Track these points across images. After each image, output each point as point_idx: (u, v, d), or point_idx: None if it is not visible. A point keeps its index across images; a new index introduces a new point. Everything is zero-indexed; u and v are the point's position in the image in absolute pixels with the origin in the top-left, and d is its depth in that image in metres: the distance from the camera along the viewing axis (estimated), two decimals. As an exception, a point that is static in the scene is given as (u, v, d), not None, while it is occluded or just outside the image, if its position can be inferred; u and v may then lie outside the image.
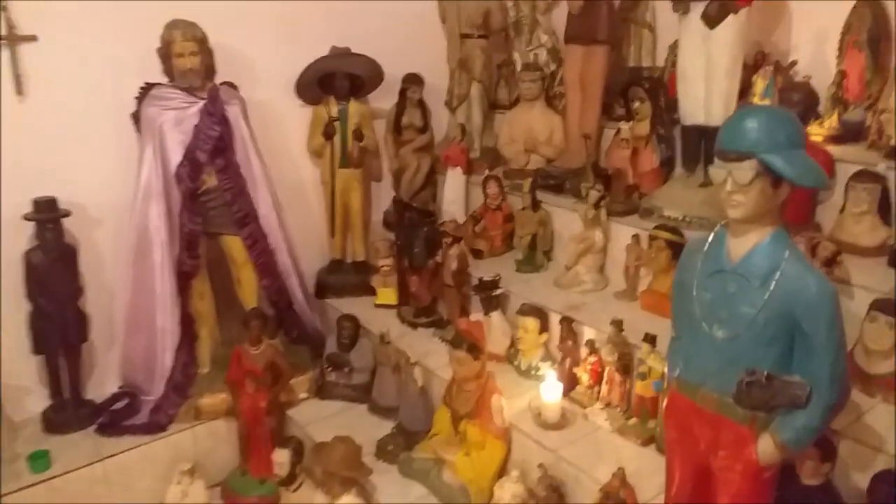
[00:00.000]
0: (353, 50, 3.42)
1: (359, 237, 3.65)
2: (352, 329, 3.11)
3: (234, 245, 3.07)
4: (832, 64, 2.84)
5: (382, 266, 3.41)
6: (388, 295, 3.41)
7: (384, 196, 3.88)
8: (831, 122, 2.66)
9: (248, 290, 3.15)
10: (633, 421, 2.36)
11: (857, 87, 2.71)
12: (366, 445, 2.67)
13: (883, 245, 2.28)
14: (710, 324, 1.49)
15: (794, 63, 2.96)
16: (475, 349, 2.46)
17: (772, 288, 1.40)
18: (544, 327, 2.68)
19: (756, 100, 2.83)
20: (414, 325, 3.19)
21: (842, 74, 2.67)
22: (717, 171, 1.42)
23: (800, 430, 1.44)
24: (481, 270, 3.05)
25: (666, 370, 1.91)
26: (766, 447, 1.47)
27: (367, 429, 2.89)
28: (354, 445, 2.49)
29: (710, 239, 1.54)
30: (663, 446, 2.21)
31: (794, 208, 2.40)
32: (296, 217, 3.44)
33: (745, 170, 1.36)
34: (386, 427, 2.88)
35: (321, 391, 3.15)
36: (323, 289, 3.60)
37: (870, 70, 2.69)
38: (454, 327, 2.61)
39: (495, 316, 2.82)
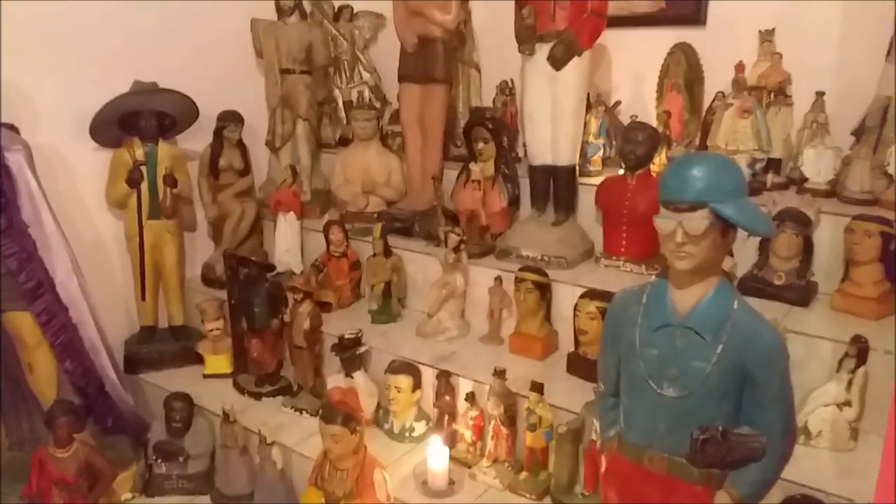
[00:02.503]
0: (160, 85, 2.97)
1: (175, 298, 3.17)
2: (185, 410, 2.64)
3: (23, 323, 2.48)
4: (650, 104, 3.05)
5: (211, 330, 2.98)
6: (219, 363, 2.99)
7: (200, 248, 3.43)
8: (661, 160, 2.82)
9: (44, 377, 2.56)
10: (524, 475, 2.26)
11: (678, 127, 2.92)
12: (218, 547, 2.28)
13: (729, 275, 2.44)
14: (659, 382, 1.42)
15: (618, 103, 3.13)
16: (352, 421, 2.19)
17: (724, 341, 1.36)
18: (417, 384, 2.49)
19: (591, 139, 2.96)
20: (258, 396, 2.82)
21: (667, 114, 2.86)
22: (666, 221, 1.35)
23: (756, 484, 1.42)
24: (332, 325, 2.78)
25: (597, 430, 1.82)
26: (724, 504, 1.43)
27: (216, 526, 2.48)
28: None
29: (647, 291, 1.48)
30: (561, 499, 2.16)
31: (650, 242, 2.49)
32: (95, 280, 2.88)
33: (698, 220, 1.32)
34: (238, 520, 2.48)
35: (149, 487, 2.64)
36: (134, 362, 3.06)
37: (687, 111, 2.91)
38: (325, 397, 2.31)
39: (359, 376, 2.57)
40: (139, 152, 2.93)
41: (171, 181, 2.96)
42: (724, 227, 1.34)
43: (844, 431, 1.95)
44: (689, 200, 1.32)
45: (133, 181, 2.91)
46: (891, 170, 2.34)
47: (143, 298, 3.08)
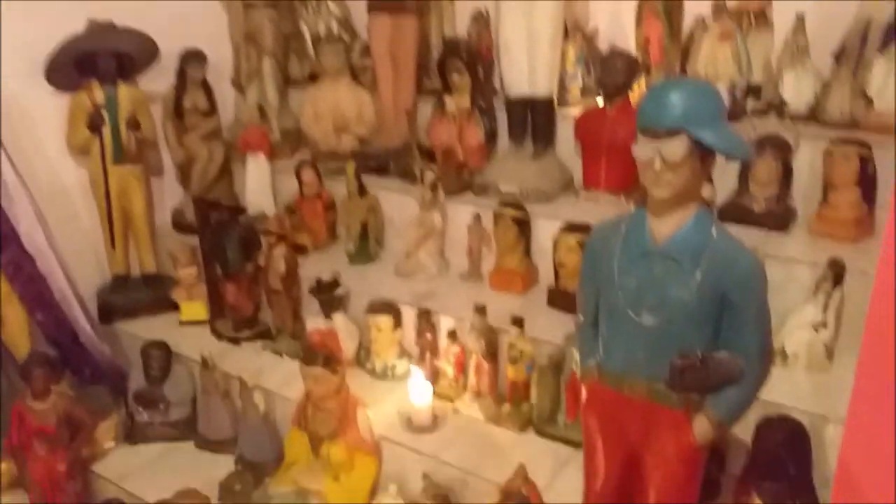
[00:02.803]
0: (117, 23, 2.82)
1: (146, 245, 3.09)
2: (162, 358, 2.62)
3: (-11, 276, 2.40)
4: (629, 31, 2.96)
5: (185, 276, 2.92)
6: (195, 309, 2.94)
7: (168, 193, 3.34)
8: (640, 87, 2.76)
9: (16, 330, 2.51)
10: (506, 408, 2.27)
11: (657, 53, 2.83)
12: (204, 490, 2.29)
13: (708, 201, 2.42)
14: (637, 311, 1.42)
15: (596, 31, 3.03)
16: (332, 362, 2.18)
17: (703, 267, 1.35)
18: (397, 323, 2.47)
19: (570, 68, 2.88)
20: (236, 341, 2.79)
21: (646, 41, 2.78)
22: (644, 149, 1.32)
23: (734, 405, 1.44)
24: (309, 268, 2.74)
25: (577, 358, 1.82)
26: (702, 427, 1.45)
27: (201, 470, 2.48)
28: (203, 499, 2.09)
29: (626, 221, 1.45)
30: (544, 429, 2.19)
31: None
32: (62, 230, 2.81)
33: (677, 146, 1.28)
34: (223, 464, 2.48)
35: (132, 435, 2.63)
36: (108, 312, 3.00)
37: (667, 36, 2.82)
38: (305, 339, 2.29)
39: (338, 318, 2.54)
40: (99, 95, 2.81)
41: (134, 124, 2.85)
42: (703, 154, 1.31)
43: (820, 352, 1.98)
44: (666, 127, 1.28)
45: (94, 126, 2.80)
46: (870, 92, 2.31)
47: (113, 246, 3.00)
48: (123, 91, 2.85)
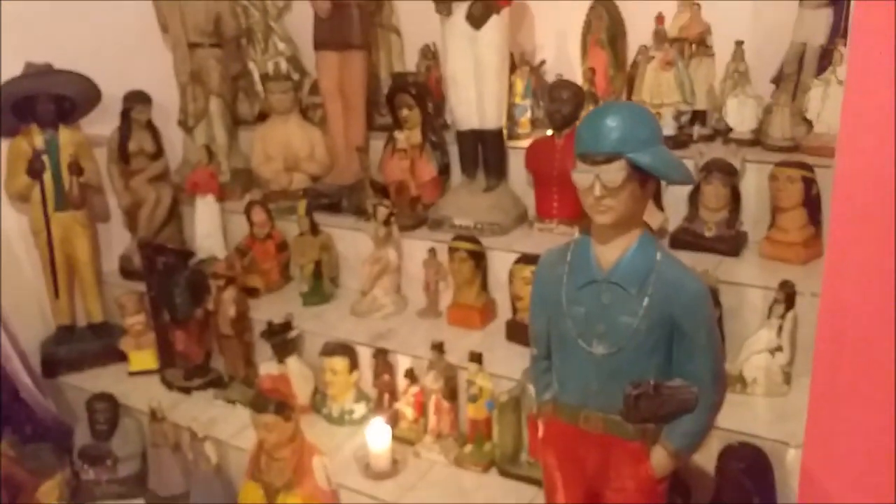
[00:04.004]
0: (56, 66, 2.75)
1: (92, 294, 2.99)
2: (109, 411, 2.50)
3: (-82, 333, 2.28)
4: (575, 62, 2.99)
5: (133, 325, 2.82)
6: (144, 359, 2.84)
7: (116, 239, 3.24)
8: (588, 118, 2.78)
9: (-52, 389, 2.36)
10: (468, 448, 2.21)
11: (603, 83, 2.87)
12: (155, 551, 2.17)
13: (661, 230, 2.42)
14: (588, 340, 1.38)
15: (543, 62, 3.07)
16: (285, 409, 2.09)
17: (650, 293, 1.33)
18: (354, 365, 2.40)
19: (518, 100, 2.90)
20: (187, 390, 2.68)
21: (592, 71, 2.81)
22: (583, 175, 1.30)
23: (690, 435, 1.41)
24: (262, 311, 2.66)
25: (532, 394, 1.78)
26: (660, 459, 1.41)
27: (151, 529, 2.37)
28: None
29: (571, 249, 1.43)
30: (507, 469, 2.13)
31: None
32: (1, 280, 2.69)
33: (615, 171, 1.27)
34: (175, 521, 2.37)
35: (77, 495, 2.50)
36: (53, 365, 2.88)
37: (612, 66, 2.87)
38: (256, 386, 2.20)
39: (292, 362, 2.46)
40: (38, 140, 2.73)
41: (76, 169, 2.77)
42: (642, 178, 1.30)
43: (778, 376, 1.97)
44: (604, 152, 1.27)
45: (34, 172, 2.72)
46: (809, 115, 2.35)
47: (57, 296, 2.89)
48: (65, 135, 2.78)
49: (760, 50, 2.56)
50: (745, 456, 1.78)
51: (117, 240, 3.22)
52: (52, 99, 2.72)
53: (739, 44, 2.54)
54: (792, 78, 2.44)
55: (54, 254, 2.83)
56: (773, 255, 2.21)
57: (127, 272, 3.12)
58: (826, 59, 2.37)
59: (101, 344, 2.94)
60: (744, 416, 1.89)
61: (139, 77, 3.02)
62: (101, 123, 3.00)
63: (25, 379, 2.55)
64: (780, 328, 1.95)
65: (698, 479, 1.91)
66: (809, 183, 2.15)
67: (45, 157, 2.73)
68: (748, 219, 2.35)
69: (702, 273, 1.82)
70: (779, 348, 1.95)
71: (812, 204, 2.17)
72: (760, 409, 1.95)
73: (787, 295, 1.94)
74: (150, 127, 3.04)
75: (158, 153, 3.08)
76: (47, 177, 2.75)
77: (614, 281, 1.36)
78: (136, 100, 2.95)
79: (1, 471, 2.29)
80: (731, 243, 2.27)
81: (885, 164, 0.98)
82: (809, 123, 2.37)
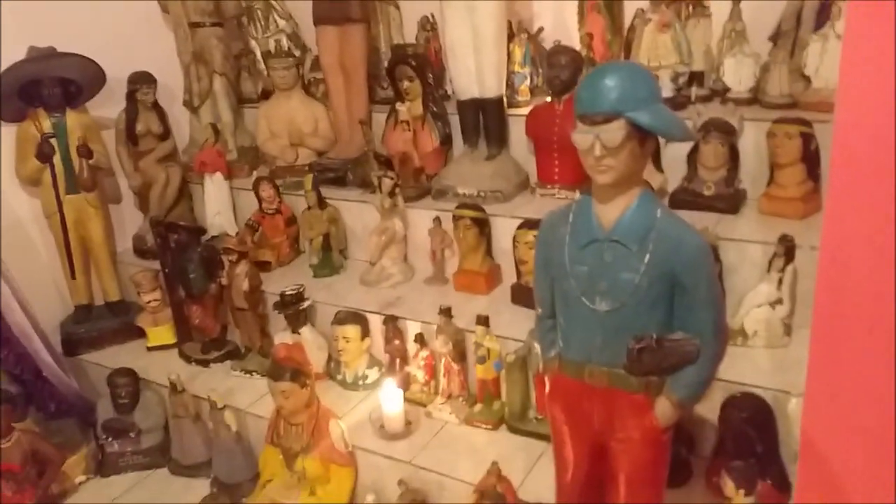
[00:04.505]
0: (59, 50, 2.79)
1: (108, 273, 3.06)
2: (130, 385, 2.58)
3: (-57, 316, 2.35)
4: (573, 28, 3.00)
5: (149, 302, 2.89)
6: (162, 334, 2.92)
7: (128, 219, 3.31)
8: (588, 83, 2.80)
9: (-25, 368, 2.44)
10: (478, 407, 2.28)
11: (601, 48, 2.88)
12: (183, 516, 2.26)
13: (661, 190, 2.46)
14: (591, 297, 1.43)
15: (541, 30, 3.07)
16: (300, 376, 2.17)
17: (650, 249, 1.37)
18: (365, 332, 2.47)
19: (517, 68, 2.91)
20: (205, 363, 2.77)
21: (589, 36, 2.82)
22: (583, 136, 1.33)
23: (693, 386, 1.46)
24: (274, 284, 2.72)
25: (538, 352, 1.84)
26: (664, 409, 1.46)
27: (177, 496, 2.48)
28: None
29: (573, 209, 1.47)
30: (516, 426, 2.20)
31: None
32: (19, 263, 2.75)
33: (615, 131, 1.30)
34: (199, 488, 2.47)
35: (103, 467, 2.59)
36: (73, 344, 2.96)
37: (609, 31, 2.87)
38: (271, 355, 2.27)
39: (306, 331, 2.53)
40: (46, 124, 2.78)
41: (85, 152, 2.82)
42: (642, 136, 1.33)
43: (778, 328, 2.02)
44: (603, 112, 1.30)
45: (44, 155, 2.77)
46: (808, 71, 2.37)
47: (74, 277, 2.96)
48: (72, 118, 2.83)
49: (757, 8, 2.56)
50: (748, 406, 1.83)
51: (130, 220, 3.28)
52: (57, 82, 2.76)
53: (736, 2, 2.55)
54: (790, 34, 2.44)
55: (68, 236, 2.89)
56: (772, 211, 2.24)
57: (140, 251, 3.18)
58: (824, 13, 2.37)
59: (119, 321, 3.02)
60: (745, 368, 1.94)
61: (143, 58, 3.06)
62: (108, 106, 3.04)
63: (47, 358, 2.62)
64: (780, 281, 1.99)
65: (702, 429, 1.97)
66: (808, 138, 2.17)
67: (53, 141, 2.77)
68: (747, 176, 2.38)
69: (702, 230, 1.85)
70: (779, 301, 2.00)
71: (811, 159, 2.19)
72: (762, 360, 2.00)
73: (787, 248, 1.98)
74: (157, 108, 3.08)
75: (166, 133, 3.13)
76: (57, 160, 2.80)
77: (615, 239, 1.40)
78: (141, 81, 2.99)
79: (28, 446, 2.37)
80: (730, 201, 2.30)
81: (883, 117, 1.00)
82: (807, 79, 2.39)
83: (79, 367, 2.90)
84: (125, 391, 2.56)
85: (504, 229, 2.51)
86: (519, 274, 2.41)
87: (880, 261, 1.08)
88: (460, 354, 2.31)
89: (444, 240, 2.62)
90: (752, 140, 2.35)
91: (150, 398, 2.64)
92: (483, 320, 2.22)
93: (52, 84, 2.75)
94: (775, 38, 2.50)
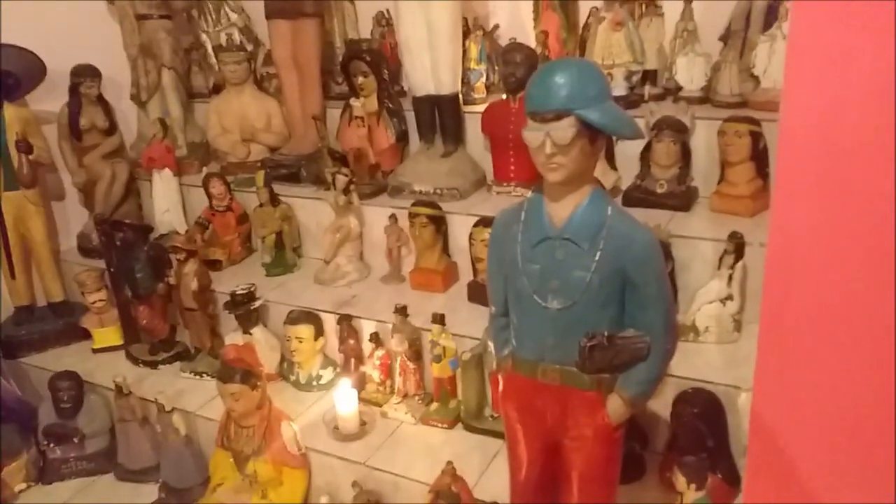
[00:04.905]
0: (-4, 40, 2.68)
1: (50, 273, 2.95)
2: (73, 388, 2.49)
3: None
4: (529, 25, 3.00)
5: (94, 302, 2.79)
6: (108, 335, 2.83)
7: (73, 217, 3.20)
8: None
9: None
10: (434, 406, 2.27)
11: (556, 46, 2.89)
12: (128, 523, 2.19)
13: (615, 188, 2.47)
14: (543, 295, 1.42)
15: (496, 27, 3.07)
16: (251, 377, 2.12)
17: (601, 247, 1.37)
18: (319, 332, 2.43)
19: (473, 65, 2.90)
20: (153, 365, 2.69)
21: (544, 34, 2.82)
22: (533, 133, 1.32)
23: (644, 383, 1.46)
24: (225, 283, 2.66)
25: (492, 351, 1.82)
26: (615, 407, 1.47)
27: (123, 502, 2.38)
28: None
29: (525, 207, 1.46)
30: (472, 424, 2.19)
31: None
32: (-47, 263, 2.64)
33: (564, 128, 1.29)
34: (147, 494, 2.40)
35: (45, 474, 2.49)
36: (13, 346, 2.84)
37: (564, 29, 2.88)
38: (221, 356, 2.21)
39: (257, 332, 2.48)
40: (-18, 118, 2.66)
41: (24, 147, 2.71)
42: (592, 134, 1.33)
43: (728, 324, 2.05)
44: (553, 109, 1.29)
45: (-20, 150, 2.65)
46: (756, 71, 2.41)
47: (14, 277, 2.85)
48: (10, 112, 2.72)
49: (709, 8, 2.60)
50: (699, 401, 1.85)
51: (74, 217, 3.18)
52: (-7, 74, 2.65)
53: (688, 2, 2.58)
54: (739, 35, 2.48)
55: (7, 234, 2.78)
56: (723, 209, 2.27)
57: (86, 250, 3.08)
58: (772, 14, 2.41)
59: (63, 323, 2.92)
60: (696, 364, 1.96)
61: (87, 51, 2.95)
62: (50, 100, 2.93)
63: (-15, 361, 2.52)
64: (731, 278, 2.02)
65: (654, 424, 1.99)
66: (757, 137, 2.21)
67: (-9, 136, 2.66)
68: (698, 174, 2.41)
69: (654, 228, 1.87)
70: (729, 297, 2.03)
71: (760, 158, 2.23)
72: (712, 356, 2.02)
73: (737, 246, 2.01)
74: (102, 101, 2.98)
75: (112, 128, 3.03)
76: (-6, 156, 2.69)
77: (567, 237, 1.39)
78: (85, 74, 2.89)
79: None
80: (682, 199, 2.33)
81: (827, 116, 1.01)
82: (756, 79, 2.43)
83: (19, 371, 2.79)
84: (68, 395, 2.47)
85: (460, 227, 2.50)
86: (475, 272, 2.40)
87: (825, 257, 1.09)
88: (416, 353, 2.29)
89: (401, 237, 2.60)
90: (703, 138, 2.38)
91: (95, 402, 2.55)
92: (439, 318, 2.20)
93: (-11, 76, 2.64)
94: (725, 38, 2.54)
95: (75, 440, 2.49)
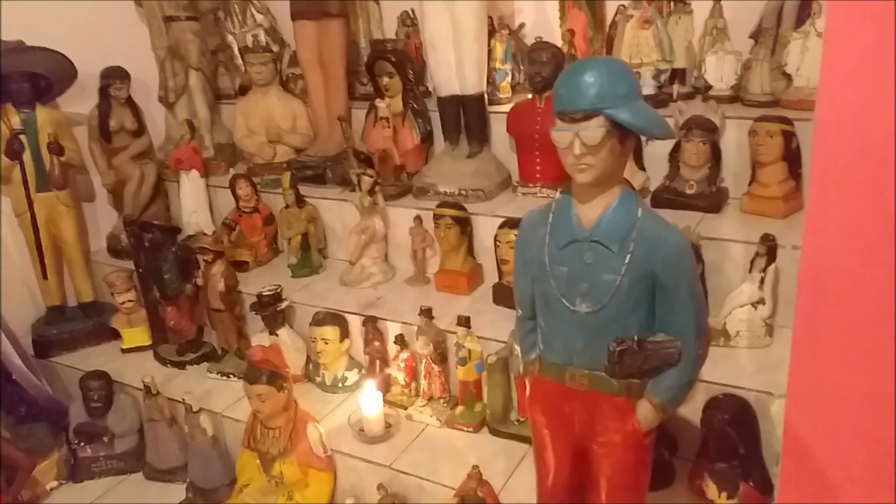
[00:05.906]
0: (28, 43, 2.71)
1: (80, 273, 2.99)
2: (103, 388, 2.52)
3: None
4: (555, 24, 2.97)
5: (123, 303, 2.82)
6: (137, 336, 2.86)
7: (102, 218, 3.24)
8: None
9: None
10: (459, 409, 2.25)
11: (583, 44, 2.85)
12: (156, 522, 2.21)
13: (643, 189, 2.44)
14: (571, 299, 1.40)
15: (522, 25, 3.05)
16: (277, 379, 2.13)
17: (631, 250, 1.34)
18: (345, 333, 2.43)
19: (498, 65, 2.88)
20: (181, 365, 2.71)
21: (571, 33, 2.79)
22: (562, 134, 1.30)
23: (675, 388, 1.43)
24: (251, 284, 2.67)
25: (518, 354, 1.80)
26: (646, 413, 1.44)
27: (151, 501, 2.40)
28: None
29: (553, 209, 1.44)
30: (497, 428, 2.17)
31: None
32: (-14, 264, 2.69)
33: (594, 128, 1.27)
34: (174, 493, 2.42)
35: (76, 473, 2.52)
36: (44, 346, 2.89)
37: (591, 27, 2.85)
38: (247, 357, 2.22)
39: (284, 333, 2.49)
40: (15, 120, 2.71)
41: (56, 149, 2.75)
42: (622, 134, 1.30)
43: (760, 329, 2.00)
44: (582, 109, 1.27)
45: (13, 152, 2.69)
46: (788, 69, 2.35)
47: (45, 277, 2.90)
48: (42, 114, 2.76)
49: (739, 5, 2.55)
50: (730, 407, 1.81)
51: (104, 218, 3.22)
52: (26, 77, 2.69)
53: (718, 0, 2.53)
54: (770, 32, 2.43)
55: (39, 235, 2.82)
56: (754, 210, 2.23)
57: (115, 250, 3.12)
58: (804, 11, 2.37)
59: (93, 323, 2.96)
60: (728, 369, 1.93)
61: (116, 53, 2.98)
62: (80, 102, 2.97)
63: (17, 361, 2.56)
64: (762, 281, 1.98)
65: (684, 431, 1.95)
66: (789, 137, 2.16)
67: (22, 138, 2.70)
68: (729, 175, 2.36)
69: (684, 230, 1.83)
70: (761, 301, 1.98)
71: (792, 158, 2.18)
72: (744, 361, 1.98)
73: (769, 248, 1.96)
74: (130, 103, 3.01)
75: (140, 130, 3.06)
76: (27, 157, 2.73)
77: (596, 239, 1.37)
78: (114, 76, 2.92)
79: (-1, 452, 2.31)
80: (712, 200, 2.28)
81: (864, 116, 0.98)
82: (788, 77, 2.37)
83: (51, 370, 2.83)
84: (98, 394, 2.50)
85: (486, 228, 2.48)
86: (501, 274, 2.38)
87: (862, 260, 1.06)
88: (441, 356, 2.28)
89: (425, 239, 2.59)
90: (733, 138, 2.34)
91: (125, 401, 2.58)
92: (464, 321, 2.18)
93: (21, 79, 2.68)
94: (756, 35, 2.49)
95: (105, 439, 2.52)
